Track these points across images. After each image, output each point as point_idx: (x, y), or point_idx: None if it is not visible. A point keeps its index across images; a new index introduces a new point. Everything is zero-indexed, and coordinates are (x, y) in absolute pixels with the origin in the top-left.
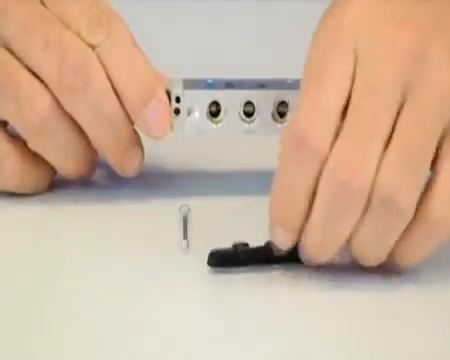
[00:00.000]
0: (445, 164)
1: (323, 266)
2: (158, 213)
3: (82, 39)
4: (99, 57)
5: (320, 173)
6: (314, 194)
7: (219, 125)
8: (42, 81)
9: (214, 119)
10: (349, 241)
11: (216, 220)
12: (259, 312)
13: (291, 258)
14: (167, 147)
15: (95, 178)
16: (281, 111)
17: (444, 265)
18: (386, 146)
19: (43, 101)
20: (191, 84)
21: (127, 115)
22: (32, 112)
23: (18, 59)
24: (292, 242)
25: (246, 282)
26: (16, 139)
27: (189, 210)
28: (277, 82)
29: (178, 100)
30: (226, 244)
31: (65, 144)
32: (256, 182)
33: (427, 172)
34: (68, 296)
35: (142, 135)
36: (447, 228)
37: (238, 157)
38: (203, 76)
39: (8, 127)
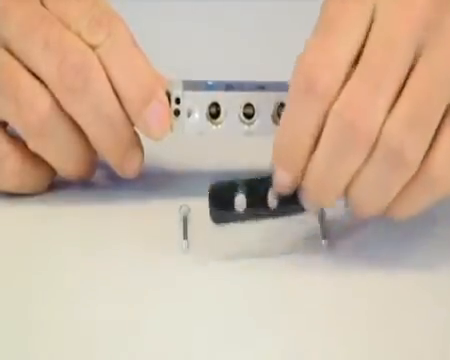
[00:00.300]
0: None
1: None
2: (158, 213)
3: (82, 40)
4: (99, 58)
5: (327, 116)
6: (319, 137)
7: (219, 126)
8: (42, 82)
9: (214, 120)
10: (349, 187)
11: None
12: (259, 312)
13: (291, 201)
14: (167, 147)
15: (95, 178)
16: (281, 113)
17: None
18: (395, 101)
19: (43, 102)
20: (191, 85)
21: (127, 116)
22: (32, 113)
23: (18, 60)
24: (293, 184)
25: (246, 282)
26: (16, 139)
27: (189, 210)
28: (277, 84)
29: (178, 101)
30: (226, 244)
31: (65, 145)
32: None
33: (434, 131)
34: (68, 296)
35: (142, 136)
36: (444, 186)
37: (238, 157)
38: (203, 78)
39: (8, 127)
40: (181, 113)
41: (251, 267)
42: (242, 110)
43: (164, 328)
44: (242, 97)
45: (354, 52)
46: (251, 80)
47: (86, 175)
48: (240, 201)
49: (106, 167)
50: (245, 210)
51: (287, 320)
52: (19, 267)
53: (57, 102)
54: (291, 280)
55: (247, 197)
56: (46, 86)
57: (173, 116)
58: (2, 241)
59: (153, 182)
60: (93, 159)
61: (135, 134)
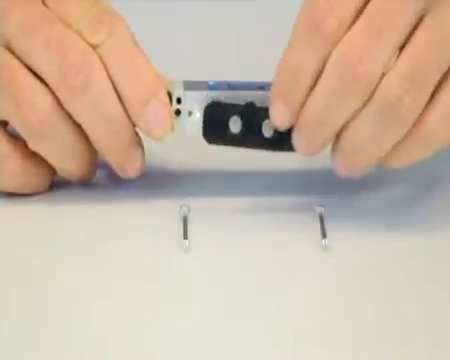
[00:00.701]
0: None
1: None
2: (158, 213)
3: (83, 39)
4: (100, 57)
5: (329, 56)
6: (319, 77)
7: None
8: (43, 81)
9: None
10: (343, 132)
11: (216, 220)
12: (259, 312)
13: (286, 138)
14: (167, 147)
15: (95, 178)
16: None
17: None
18: (397, 56)
19: (43, 101)
20: (192, 86)
21: (128, 116)
22: (32, 112)
23: (19, 59)
24: (290, 120)
25: (246, 282)
26: (16, 139)
27: (189, 210)
28: None
29: (179, 101)
30: (226, 244)
31: (65, 145)
32: (256, 182)
33: (432, 90)
34: (67, 296)
35: (142, 136)
36: (440, 141)
37: (238, 157)
38: (203, 78)
39: (8, 127)
40: (182, 113)
41: (251, 267)
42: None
43: (164, 328)
44: (243, 97)
45: (362, 0)
46: (252, 80)
47: (86, 176)
48: (235, 123)
49: (106, 167)
50: (239, 134)
51: (287, 320)
52: (19, 267)
53: (58, 101)
54: (291, 280)
55: (243, 122)
56: (47, 85)
57: (174, 116)
58: (2, 241)
59: (153, 182)
60: (93, 159)
61: (136, 134)
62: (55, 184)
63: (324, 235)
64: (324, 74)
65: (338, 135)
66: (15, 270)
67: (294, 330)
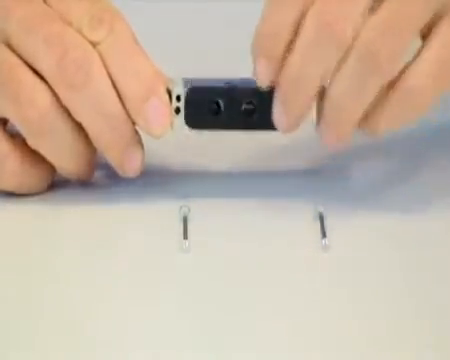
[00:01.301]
0: (433, 40)
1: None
2: (158, 213)
3: (83, 36)
4: (100, 54)
5: (306, 12)
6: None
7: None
8: (43, 78)
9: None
10: (326, 91)
11: (216, 220)
12: (259, 312)
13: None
14: (167, 147)
15: (95, 178)
16: None
17: None
18: (375, 9)
19: (43, 98)
20: (191, 83)
21: (127, 113)
22: (32, 109)
23: (19, 56)
24: (272, 75)
25: (246, 283)
26: (15, 139)
27: (189, 210)
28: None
29: (179, 99)
30: (226, 244)
31: (64, 142)
32: (256, 182)
33: (412, 41)
34: (67, 295)
35: (142, 135)
36: (422, 99)
37: (238, 157)
38: (203, 76)
39: (7, 127)
40: (182, 111)
41: (251, 267)
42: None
43: (164, 328)
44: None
45: None
46: (251, 77)
47: (85, 174)
48: (216, 106)
49: (106, 167)
50: (221, 116)
51: (287, 320)
52: (19, 266)
53: (57, 99)
54: (291, 280)
55: (225, 105)
56: (47, 83)
57: (174, 114)
58: (2, 241)
59: (153, 182)
60: (93, 158)
61: (136, 133)
62: (55, 184)
63: (324, 235)
64: (301, 30)
65: (320, 101)
66: (15, 270)
67: (294, 330)
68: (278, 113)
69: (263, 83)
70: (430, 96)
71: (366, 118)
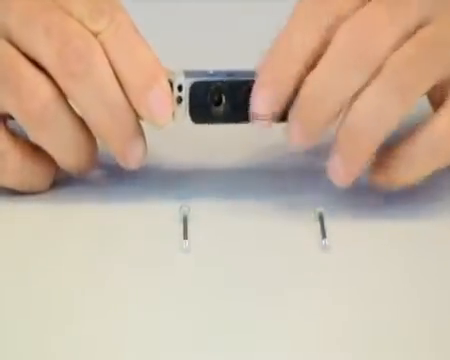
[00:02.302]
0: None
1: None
2: (158, 213)
3: (84, 27)
4: (101, 44)
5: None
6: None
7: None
8: (43, 71)
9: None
10: (344, 120)
11: (216, 220)
12: (259, 312)
13: None
14: (167, 146)
15: (95, 178)
16: None
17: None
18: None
19: (44, 91)
20: (192, 74)
21: (129, 103)
22: (33, 102)
23: (19, 48)
24: (275, 106)
25: (246, 283)
26: (16, 136)
27: (189, 210)
28: None
29: (180, 89)
30: (226, 244)
31: (66, 134)
32: (256, 182)
33: (436, 79)
34: (67, 295)
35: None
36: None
37: (238, 157)
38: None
39: (8, 124)
40: (183, 100)
41: (251, 267)
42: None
43: (164, 328)
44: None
45: None
46: (251, 68)
47: (86, 168)
48: (221, 101)
49: (106, 167)
50: (226, 111)
51: (287, 320)
52: (19, 266)
53: (58, 91)
54: (291, 280)
55: (229, 99)
56: (47, 75)
57: (175, 104)
58: (2, 241)
59: (153, 181)
60: (93, 151)
61: (138, 124)
62: (55, 184)
63: (324, 235)
64: (331, 44)
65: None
66: (15, 270)
67: (294, 330)
68: (294, 130)
69: (258, 113)
70: None
71: (384, 166)
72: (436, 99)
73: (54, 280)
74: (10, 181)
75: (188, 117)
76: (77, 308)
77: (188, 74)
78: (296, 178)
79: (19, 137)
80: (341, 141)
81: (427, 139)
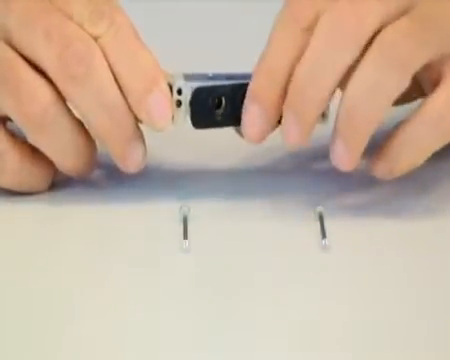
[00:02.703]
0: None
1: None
2: (158, 213)
3: (84, 30)
4: (101, 48)
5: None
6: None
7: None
8: (43, 75)
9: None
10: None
11: (216, 220)
12: (259, 312)
13: None
14: (167, 147)
15: (95, 178)
16: None
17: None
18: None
19: (43, 94)
20: (192, 78)
21: (129, 106)
22: (32, 105)
23: (19, 51)
24: (264, 124)
25: (246, 283)
26: (15, 137)
27: (189, 210)
28: None
29: (180, 92)
30: (226, 244)
31: (65, 138)
32: (256, 182)
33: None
34: (67, 295)
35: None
36: (446, 125)
37: (238, 157)
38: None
39: (8, 125)
40: (183, 104)
41: (251, 267)
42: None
43: (164, 328)
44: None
45: None
46: (250, 71)
47: (85, 171)
48: (221, 104)
49: (106, 167)
50: (225, 114)
51: (287, 320)
52: (19, 266)
53: (58, 94)
54: (291, 280)
55: (229, 102)
56: (47, 78)
57: (175, 107)
58: (2, 241)
59: (153, 182)
60: (93, 154)
61: (138, 128)
62: (55, 184)
63: (324, 235)
64: (314, 33)
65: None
66: (15, 270)
67: (294, 330)
68: (289, 124)
69: (253, 136)
70: None
71: (384, 152)
72: (431, 79)
73: (54, 280)
74: (9, 182)
75: (188, 121)
76: (77, 308)
77: (188, 77)
78: (296, 178)
79: (18, 138)
80: (341, 123)
81: (427, 117)
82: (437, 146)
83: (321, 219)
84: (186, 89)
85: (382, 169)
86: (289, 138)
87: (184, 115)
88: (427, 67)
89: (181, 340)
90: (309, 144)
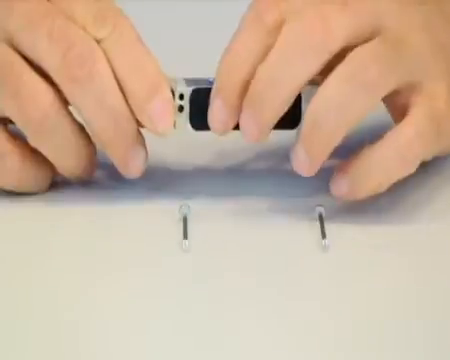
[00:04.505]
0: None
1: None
2: (158, 213)
3: (87, 33)
4: (104, 51)
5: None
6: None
7: None
8: (45, 78)
9: None
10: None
11: (216, 220)
12: (259, 313)
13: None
14: (167, 147)
15: (95, 178)
16: None
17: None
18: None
19: (45, 97)
20: (193, 83)
21: (131, 111)
22: (34, 108)
23: (22, 53)
24: (227, 120)
25: (246, 283)
26: (16, 138)
27: (189, 210)
28: None
29: (182, 97)
30: (226, 244)
31: (65, 141)
32: (256, 182)
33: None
34: (67, 295)
35: (145, 135)
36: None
37: (238, 157)
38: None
39: (9, 126)
40: (185, 109)
41: (251, 267)
42: None
43: (164, 328)
44: None
45: None
46: None
47: (85, 174)
48: None
49: (106, 167)
50: None
51: (287, 320)
52: (19, 266)
53: (59, 98)
54: (291, 280)
55: None
56: (49, 81)
57: (177, 112)
58: (2, 241)
59: (153, 182)
60: (93, 158)
61: (139, 133)
62: (55, 184)
63: (324, 235)
64: (278, 38)
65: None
66: (15, 270)
67: (294, 330)
68: (245, 121)
69: (217, 128)
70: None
71: (348, 171)
72: (398, 107)
73: (54, 280)
74: (9, 182)
75: (188, 125)
76: (77, 308)
77: (189, 82)
78: (296, 178)
79: (18, 139)
80: (304, 131)
81: (395, 144)
82: (402, 174)
83: (321, 219)
84: (188, 94)
85: (342, 187)
86: (246, 135)
87: (185, 120)
88: (394, 94)
89: (181, 340)
90: (267, 142)
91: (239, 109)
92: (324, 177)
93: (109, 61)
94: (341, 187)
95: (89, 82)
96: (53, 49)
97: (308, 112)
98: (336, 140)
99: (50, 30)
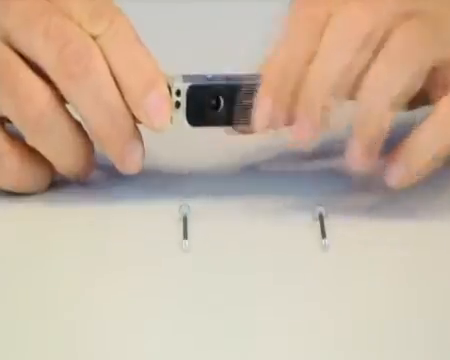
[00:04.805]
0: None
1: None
2: (158, 213)
3: (84, 29)
4: (101, 47)
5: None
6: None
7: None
8: (41, 76)
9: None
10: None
11: (216, 220)
12: (259, 313)
13: None
14: (167, 147)
15: (95, 178)
16: None
17: None
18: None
19: (42, 95)
20: (190, 79)
21: (127, 107)
22: (31, 106)
23: (18, 51)
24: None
25: (246, 283)
26: (14, 138)
27: (189, 210)
28: None
29: (178, 93)
30: (226, 244)
31: (63, 140)
32: (256, 182)
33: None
34: (67, 295)
35: (142, 134)
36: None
37: (238, 157)
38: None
39: (7, 126)
40: (182, 105)
41: (251, 267)
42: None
43: (164, 328)
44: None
45: None
46: (249, 72)
47: (83, 173)
48: (217, 103)
49: (106, 167)
50: (224, 115)
51: (287, 321)
52: (19, 266)
53: (56, 96)
54: (291, 280)
55: (227, 102)
56: (45, 79)
57: (174, 108)
58: (2, 241)
59: (153, 182)
60: (91, 156)
61: (136, 128)
62: (55, 184)
63: (324, 235)
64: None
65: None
66: (15, 270)
67: (294, 330)
68: (301, 119)
69: (262, 126)
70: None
71: (396, 159)
72: (437, 84)
73: (54, 280)
74: (8, 183)
75: (185, 121)
76: (77, 308)
77: (186, 79)
78: (296, 178)
79: (17, 139)
80: (356, 123)
81: (431, 123)
82: (444, 153)
83: (321, 219)
84: (185, 90)
85: (396, 175)
86: (300, 133)
87: (182, 116)
88: (433, 71)
89: (181, 340)
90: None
91: (286, 111)
92: (324, 177)
93: (105, 57)
94: (397, 173)
95: (85, 78)
96: (49, 46)
97: (359, 99)
98: (387, 123)
99: (46, 28)
